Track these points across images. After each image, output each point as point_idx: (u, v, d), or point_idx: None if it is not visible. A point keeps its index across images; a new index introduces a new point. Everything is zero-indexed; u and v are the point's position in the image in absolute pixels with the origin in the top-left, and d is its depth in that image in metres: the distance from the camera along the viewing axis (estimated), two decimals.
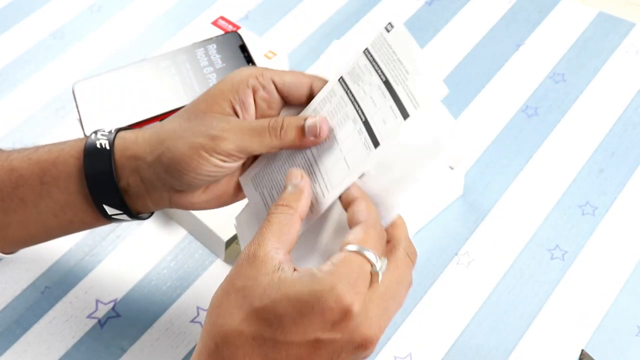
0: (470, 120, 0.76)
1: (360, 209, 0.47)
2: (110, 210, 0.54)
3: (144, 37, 0.87)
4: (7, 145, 0.78)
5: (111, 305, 0.65)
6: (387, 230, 0.48)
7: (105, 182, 0.53)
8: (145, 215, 0.57)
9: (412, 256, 0.48)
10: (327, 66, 0.57)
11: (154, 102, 0.69)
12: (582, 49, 0.81)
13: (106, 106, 0.69)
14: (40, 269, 0.68)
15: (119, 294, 0.66)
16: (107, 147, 0.53)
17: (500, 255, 0.66)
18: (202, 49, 0.72)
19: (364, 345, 0.44)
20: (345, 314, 0.43)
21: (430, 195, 0.67)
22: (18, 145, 0.77)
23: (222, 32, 0.76)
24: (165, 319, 0.64)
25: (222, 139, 0.50)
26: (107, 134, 0.54)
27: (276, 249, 0.45)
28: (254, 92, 0.52)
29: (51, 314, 0.65)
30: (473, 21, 0.85)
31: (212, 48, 0.72)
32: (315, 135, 0.50)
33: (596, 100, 0.77)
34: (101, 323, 0.64)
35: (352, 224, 0.47)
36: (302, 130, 0.51)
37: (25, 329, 0.64)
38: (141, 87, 0.70)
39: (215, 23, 0.78)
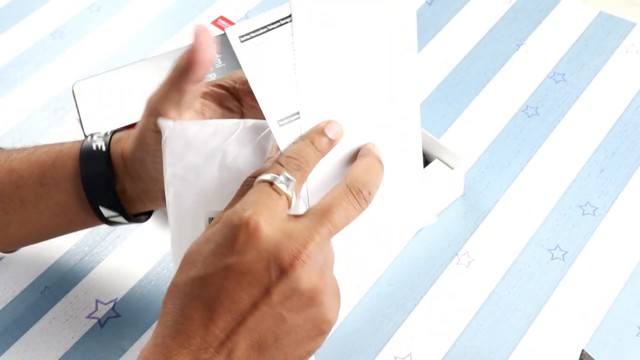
0: (470, 120, 0.76)
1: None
2: (106, 212, 0.54)
3: (144, 36, 0.87)
4: (6, 145, 0.77)
5: (111, 305, 0.65)
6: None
7: (101, 184, 0.53)
8: (143, 218, 0.57)
9: (355, 191, 0.43)
10: None
11: None
12: (583, 49, 0.81)
13: (106, 106, 0.69)
14: (39, 269, 0.68)
15: (118, 294, 0.66)
16: (103, 149, 0.53)
17: (501, 256, 0.66)
18: None
19: (288, 262, 0.40)
20: (249, 228, 0.40)
21: (431, 195, 0.67)
22: (18, 145, 0.77)
23: (221, 32, 0.76)
24: None
25: None
26: (102, 135, 0.54)
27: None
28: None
29: (51, 314, 0.65)
30: (473, 21, 0.85)
31: None
32: None
33: (597, 100, 0.77)
34: (101, 323, 0.64)
35: None
36: None
37: (25, 329, 0.64)
38: (141, 87, 0.70)
39: (215, 23, 0.78)
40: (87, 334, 0.63)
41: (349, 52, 0.47)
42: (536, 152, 0.73)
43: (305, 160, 0.45)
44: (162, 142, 0.50)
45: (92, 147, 0.54)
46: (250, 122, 0.51)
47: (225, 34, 0.74)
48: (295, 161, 0.44)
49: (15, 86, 0.82)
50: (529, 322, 0.62)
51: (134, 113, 0.68)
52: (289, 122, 0.47)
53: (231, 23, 0.78)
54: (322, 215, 0.42)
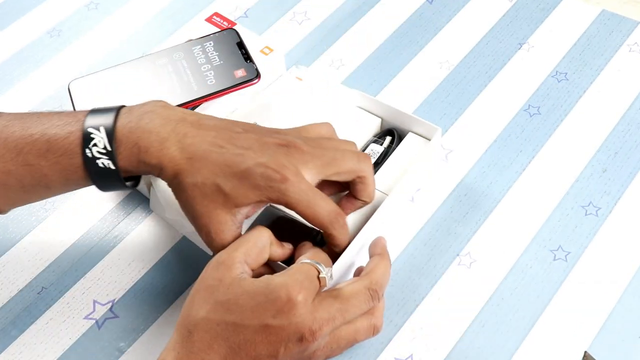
0: (472, 120, 0.76)
1: (368, 264, 0.58)
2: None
3: (141, 34, 0.86)
4: None
5: (109, 306, 0.65)
6: (369, 266, 0.58)
7: (114, 185, 0.57)
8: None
9: (372, 292, 0.55)
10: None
11: (150, 100, 0.68)
12: (585, 48, 0.81)
13: (102, 104, 0.69)
14: (37, 270, 0.67)
15: (116, 295, 0.65)
16: (112, 167, 0.55)
17: (503, 256, 0.66)
18: (199, 46, 0.71)
19: (306, 337, 0.50)
20: (291, 303, 0.50)
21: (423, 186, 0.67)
22: None
23: (218, 29, 0.76)
24: (163, 320, 0.63)
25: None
26: (103, 150, 0.55)
27: (242, 263, 0.53)
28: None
29: (48, 315, 0.64)
30: (475, 19, 0.85)
31: (209, 45, 0.72)
32: None
33: (599, 100, 0.76)
34: (99, 324, 0.64)
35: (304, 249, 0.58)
36: None
37: (22, 330, 0.63)
38: (138, 84, 0.69)
39: (209, 20, 0.78)
40: (85, 335, 0.63)
41: None
42: (538, 151, 0.73)
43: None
44: None
45: (99, 165, 0.54)
46: None
47: (223, 31, 0.74)
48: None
49: (13, 84, 0.82)
50: (531, 324, 0.62)
51: None
52: None
53: (225, 19, 0.77)
54: (341, 305, 0.53)
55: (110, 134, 0.54)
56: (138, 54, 0.83)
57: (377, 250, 0.60)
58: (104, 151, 0.54)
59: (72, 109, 0.69)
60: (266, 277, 0.52)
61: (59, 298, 0.65)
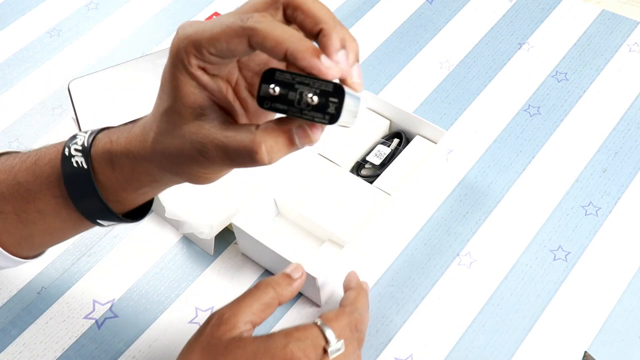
0: (472, 119, 0.76)
1: (349, 296, 0.56)
2: (106, 224, 0.53)
3: (141, 34, 0.86)
4: (2, 143, 0.77)
5: (108, 305, 0.65)
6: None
7: (94, 203, 0.51)
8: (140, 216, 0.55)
9: (352, 327, 0.54)
10: None
11: (150, 99, 0.68)
12: (585, 48, 0.81)
13: (102, 104, 0.69)
14: (36, 269, 0.67)
15: (116, 295, 0.65)
16: (85, 166, 0.50)
17: (503, 256, 0.66)
18: None
19: None
20: None
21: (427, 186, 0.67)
22: (14, 144, 0.76)
23: None
24: (163, 319, 0.63)
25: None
26: (80, 148, 0.50)
27: (246, 323, 0.51)
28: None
29: (48, 314, 0.64)
30: (475, 19, 0.84)
31: None
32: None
33: (599, 100, 0.76)
34: (98, 324, 0.63)
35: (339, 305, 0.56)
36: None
37: (22, 329, 0.63)
38: (137, 84, 0.69)
39: (209, 20, 0.78)
40: (85, 334, 0.63)
41: None
42: (538, 151, 0.73)
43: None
44: None
45: (72, 165, 0.50)
46: None
47: None
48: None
49: (12, 84, 0.82)
50: (531, 324, 0.62)
51: (130, 110, 0.68)
52: None
53: None
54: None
55: (94, 133, 0.51)
56: (138, 54, 0.83)
57: (351, 285, 0.59)
58: (80, 148, 0.50)
59: (72, 109, 0.69)
60: (266, 338, 0.50)
61: (59, 298, 0.65)
